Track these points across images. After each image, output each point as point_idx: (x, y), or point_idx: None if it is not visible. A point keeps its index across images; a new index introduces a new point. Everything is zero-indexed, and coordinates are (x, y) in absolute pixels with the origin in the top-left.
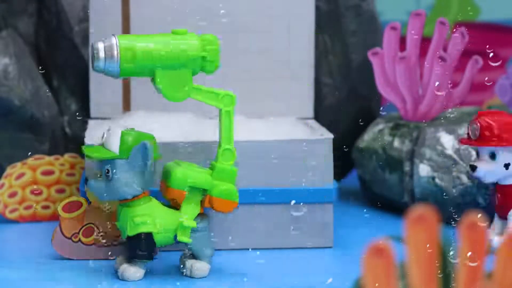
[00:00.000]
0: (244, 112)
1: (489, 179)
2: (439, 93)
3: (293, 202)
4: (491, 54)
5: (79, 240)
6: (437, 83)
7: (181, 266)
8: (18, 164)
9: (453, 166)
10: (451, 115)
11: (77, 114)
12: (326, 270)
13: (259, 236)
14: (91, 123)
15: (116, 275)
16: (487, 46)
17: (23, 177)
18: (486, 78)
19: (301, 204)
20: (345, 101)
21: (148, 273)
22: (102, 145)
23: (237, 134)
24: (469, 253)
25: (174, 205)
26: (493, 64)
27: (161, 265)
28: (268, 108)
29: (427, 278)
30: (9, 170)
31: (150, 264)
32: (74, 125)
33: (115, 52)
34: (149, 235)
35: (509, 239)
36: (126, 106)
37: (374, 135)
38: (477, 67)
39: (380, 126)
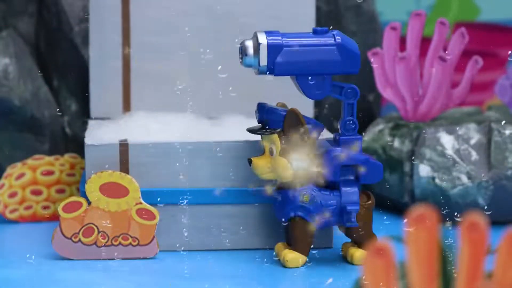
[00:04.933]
0: (244, 112)
1: None
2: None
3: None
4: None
5: (79, 240)
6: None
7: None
8: (18, 164)
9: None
10: (451, 115)
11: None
12: (326, 270)
13: (259, 236)
14: (91, 123)
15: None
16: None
17: (23, 177)
18: None
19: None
20: None
21: (148, 273)
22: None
23: (237, 134)
24: (469, 259)
25: None
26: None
27: (161, 265)
28: None
29: (427, 278)
30: (9, 170)
31: (150, 264)
32: (74, 125)
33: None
34: None
35: (509, 239)
36: (126, 106)
37: (374, 135)
38: (477, 67)
39: (380, 126)
